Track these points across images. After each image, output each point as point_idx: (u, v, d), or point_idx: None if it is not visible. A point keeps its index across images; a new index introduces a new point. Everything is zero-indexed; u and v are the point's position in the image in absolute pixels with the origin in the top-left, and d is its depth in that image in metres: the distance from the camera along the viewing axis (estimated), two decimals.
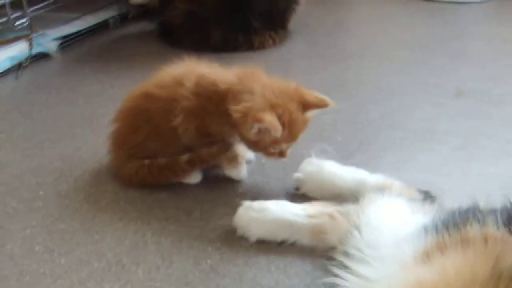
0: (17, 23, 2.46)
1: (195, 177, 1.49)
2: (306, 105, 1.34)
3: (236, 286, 1.13)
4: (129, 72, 2.32)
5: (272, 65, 2.29)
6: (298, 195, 1.41)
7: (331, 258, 1.11)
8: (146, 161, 1.46)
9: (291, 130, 1.32)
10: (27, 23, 2.48)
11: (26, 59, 2.41)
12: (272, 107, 1.29)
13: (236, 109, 1.30)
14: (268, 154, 1.39)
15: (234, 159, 1.48)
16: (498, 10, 3.28)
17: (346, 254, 1.06)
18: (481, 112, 1.88)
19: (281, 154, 1.38)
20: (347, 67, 2.33)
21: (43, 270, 1.21)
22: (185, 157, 1.45)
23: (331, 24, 2.98)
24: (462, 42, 2.66)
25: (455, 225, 0.92)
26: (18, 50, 2.41)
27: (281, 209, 1.26)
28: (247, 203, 1.28)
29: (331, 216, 1.21)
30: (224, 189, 1.46)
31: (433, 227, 0.94)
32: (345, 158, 1.51)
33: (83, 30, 2.75)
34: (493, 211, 0.94)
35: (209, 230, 1.30)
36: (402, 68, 2.32)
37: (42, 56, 2.52)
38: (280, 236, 1.24)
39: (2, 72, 2.34)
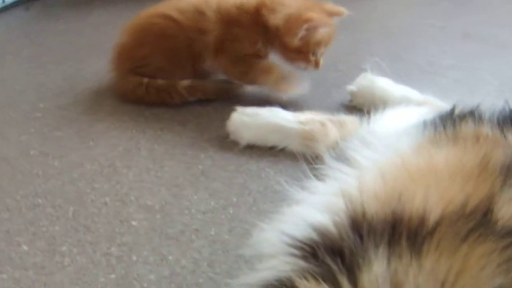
0: None
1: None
2: (331, 14, 1.38)
3: (225, 190, 1.13)
4: (137, 2, 2.30)
5: None
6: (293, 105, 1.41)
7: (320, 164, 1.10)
8: (145, 80, 1.45)
9: (328, 32, 1.37)
10: None
11: None
12: (309, 9, 1.34)
13: (276, 18, 1.33)
14: (306, 61, 1.40)
15: (283, 79, 1.44)
16: None
17: (337, 158, 1.04)
18: (486, 53, 1.85)
19: (317, 63, 1.40)
20: (353, 7, 2.29)
21: (36, 171, 1.22)
22: (185, 82, 1.44)
23: None
24: None
25: (452, 122, 0.91)
26: None
27: (273, 115, 1.26)
28: (240, 109, 1.28)
29: (321, 124, 1.20)
30: (221, 104, 1.45)
31: (432, 123, 0.92)
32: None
33: None
34: (491, 113, 0.93)
35: (203, 140, 1.30)
36: (410, 11, 2.30)
37: None
38: (270, 140, 1.24)
39: (14, 3, 2.33)
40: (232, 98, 1.46)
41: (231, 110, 1.30)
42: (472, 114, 0.93)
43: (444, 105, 1.24)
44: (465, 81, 1.62)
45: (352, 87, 1.42)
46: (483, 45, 1.91)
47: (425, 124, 0.94)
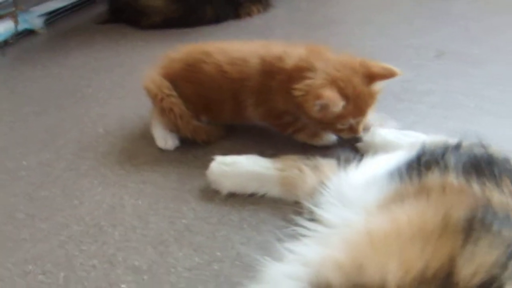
0: (2, 0, 2.47)
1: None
2: (371, 77, 1.33)
3: (209, 244, 1.16)
4: (112, 44, 2.34)
5: (257, 32, 2.34)
6: (269, 154, 1.41)
7: (299, 211, 1.13)
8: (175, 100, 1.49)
9: (357, 103, 1.32)
10: (12, 0, 2.49)
11: (12, 36, 2.43)
12: (333, 82, 1.30)
13: (298, 88, 1.31)
14: (337, 131, 1.39)
15: (315, 134, 1.47)
16: None
17: (314, 205, 1.08)
18: (461, 72, 1.89)
19: (352, 130, 1.38)
20: (329, 32, 2.34)
21: (23, 235, 1.24)
22: (196, 123, 1.50)
23: None
24: (444, 4, 2.65)
25: (418, 172, 0.94)
26: (3, 27, 2.43)
27: (251, 162, 1.30)
28: (219, 158, 1.32)
29: (299, 169, 1.23)
30: (201, 151, 1.48)
31: (398, 174, 0.96)
32: None
33: (68, 5, 2.77)
34: (459, 157, 0.96)
35: (184, 191, 1.33)
36: (383, 31, 2.33)
37: (28, 33, 2.56)
38: (250, 188, 1.28)
39: None
40: (211, 144, 1.50)
41: (211, 158, 1.33)
42: (438, 163, 0.96)
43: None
44: (440, 105, 1.66)
45: (359, 144, 1.43)
46: (458, 63, 1.95)
47: (392, 174, 0.98)
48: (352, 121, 1.35)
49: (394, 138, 1.38)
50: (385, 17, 2.53)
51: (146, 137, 1.56)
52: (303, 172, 1.24)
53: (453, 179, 0.91)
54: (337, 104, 1.27)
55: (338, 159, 1.23)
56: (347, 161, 1.18)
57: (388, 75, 1.34)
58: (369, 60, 1.36)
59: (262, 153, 1.36)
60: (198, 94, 1.48)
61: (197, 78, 1.47)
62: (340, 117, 1.33)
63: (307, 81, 1.31)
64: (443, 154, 0.99)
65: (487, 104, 1.66)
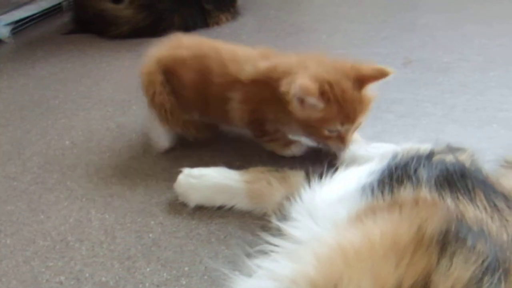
0: None
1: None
2: (362, 80, 1.27)
3: (177, 259, 1.15)
4: (79, 54, 2.32)
5: (227, 40, 2.30)
6: (236, 166, 1.41)
7: (267, 226, 1.13)
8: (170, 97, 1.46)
9: (345, 108, 1.26)
10: None
11: None
12: (317, 80, 1.24)
13: (283, 83, 1.27)
14: (324, 138, 1.32)
15: (286, 144, 1.46)
16: None
17: (283, 219, 1.08)
18: (428, 80, 1.91)
19: (341, 139, 1.31)
20: (297, 41, 2.35)
21: None
22: (186, 116, 1.48)
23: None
24: (413, 14, 2.68)
25: (389, 187, 0.94)
26: None
27: (219, 175, 1.29)
28: (186, 170, 1.31)
29: (267, 181, 1.23)
30: (169, 163, 1.48)
31: (370, 188, 0.96)
32: None
33: (35, 14, 2.73)
34: (430, 170, 0.96)
35: (152, 205, 1.32)
36: (351, 40, 2.34)
37: None
38: (218, 201, 1.28)
39: None
40: (180, 156, 1.49)
41: (178, 171, 1.32)
42: (410, 177, 0.96)
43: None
44: (409, 114, 1.67)
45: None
46: (426, 71, 1.97)
47: (363, 189, 0.98)
48: (340, 127, 1.29)
49: (364, 152, 1.37)
50: (353, 26, 2.54)
51: (113, 149, 1.55)
52: (271, 184, 1.24)
53: (426, 193, 0.91)
54: (310, 93, 1.22)
55: (307, 171, 1.23)
56: (316, 174, 1.18)
57: (379, 76, 1.28)
58: (361, 62, 1.31)
59: (230, 165, 1.36)
60: (196, 87, 1.43)
61: (200, 71, 1.43)
62: (325, 120, 1.27)
63: (290, 77, 1.26)
64: (415, 168, 0.99)
65: (455, 112, 1.67)
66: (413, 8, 2.77)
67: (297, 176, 1.25)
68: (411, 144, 1.31)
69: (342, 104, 1.25)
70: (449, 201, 0.88)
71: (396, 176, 0.98)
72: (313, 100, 1.23)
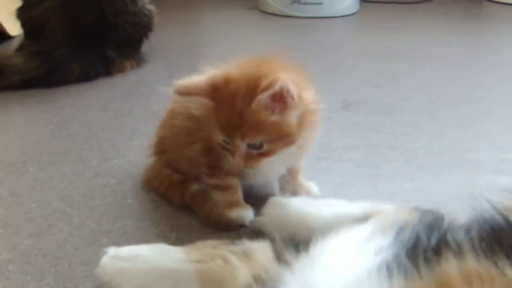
0: None
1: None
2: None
3: None
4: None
5: (133, 88, 2.04)
6: (173, 238, 1.13)
7: None
8: (164, 170, 1.28)
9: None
10: None
11: None
12: None
13: None
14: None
15: (235, 201, 1.17)
16: (360, 24, 3.21)
17: None
18: (376, 123, 1.70)
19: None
20: None
21: None
22: (195, 188, 1.22)
23: (190, 44, 2.73)
24: (335, 56, 2.48)
25: (426, 261, 0.66)
26: None
27: (158, 255, 0.97)
28: (112, 251, 0.98)
29: (223, 259, 0.92)
30: (83, 240, 1.14)
31: (398, 265, 0.67)
32: None
33: None
34: (468, 231, 0.70)
35: None
36: None
37: None
38: None
39: None
40: (94, 230, 1.15)
41: (100, 251, 0.99)
42: (447, 244, 0.69)
43: (396, 208, 1.01)
44: (367, 162, 1.44)
45: (261, 219, 1.14)
46: (370, 114, 1.78)
47: (388, 268, 0.69)
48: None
49: (314, 209, 1.10)
50: None
51: (8, 224, 1.19)
52: (230, 263, 0.92)
53: (475, 263, 0.66)
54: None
55: (273, 242, 0.94)
56: (286, 246, 0.89)
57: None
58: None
59: (165, 238, 1.08)
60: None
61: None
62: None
63: None
64: (445, 231, 0.72)
65: (417, 157, 1.48)
66: (335, 50, 2.57)
67: (262, 249, 0.95)
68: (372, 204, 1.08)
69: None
70: (509, 271, 0.64)
71: (426, 247, 0.71)
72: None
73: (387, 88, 1.99)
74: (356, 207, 1.08)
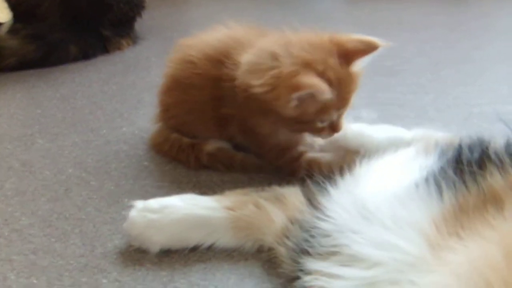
0: None
1: None
2: (349, 56, 1.03)
3: None
4: None
5: (132, 64, 2.02)
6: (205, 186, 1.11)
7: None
8: (173, 135, 1.25)
9: (340, 91, 1.01)
10: None
11: None
12: (308, 65, 0.99)
13: (260, 84, 0.99)
14: (316, 131, 1.08)
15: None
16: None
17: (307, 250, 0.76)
18: (381, 84, 1.67)
19: (334, 128, 1.07)
20: None
21: None
22: (210, 147, 1.21)
23: (182, 22, 2.70)
24: (330, 27, 2.45)
25: (471, 175, 0.65)
26: None
27: (189, 204, 0.94)
28: (140, 203, 0.95)
29: (256, 205, 0.91)
30: (105, 200, 1.11)
31: (445, 179, 0.66)
32: None
33: None
34: (505, 148, 0.69)
35: (97, 257, 0.93)
36: None
37: None
38: (192, 239, 0.92)
39: None
40: (118, 188, 1.13)
41: (125, 206, 0.97)
42: (489, 158, 0.68)
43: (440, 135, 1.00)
44: (379, 119, 1.37)
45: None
46: (373, 76, 1.70)
47: (436, 180, 0.68)
48: (334, 114, 1.05)
49: (369, 132, 1.10)
50: None
51: (23, 191, 1.16)
52: (263, 208, 0.91)
53: None
54: (325, 90, 0.97)
55: (303, 185, 0.92)
56: (317, 187, 0.88)
57: (368, 49, 1.05)
58: (338, 34, 1.07)
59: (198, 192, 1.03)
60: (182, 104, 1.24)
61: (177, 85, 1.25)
62: (323, 111, 1.02)
63: (272, 72, 0.99)
64: (486, 147, 0.71)
65: (427, 112, 1.49)
66: (329, 21, 2.56)
67: (294, 194, 0.94)
68: (424, 130, 1.08)
69: (338, 86, 1.00)
70: None
71: (470, 162, 0.70)
72: (327, 95, 0.97)
73: (387, 53, 1.93)
74: (408, 133, 1.08)
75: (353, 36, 1.06)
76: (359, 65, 1.05)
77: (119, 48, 2.25)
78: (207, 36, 1.25)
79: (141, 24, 2.40)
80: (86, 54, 2.14)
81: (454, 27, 2.37)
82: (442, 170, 0.69)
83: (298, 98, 0.97)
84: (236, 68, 1.10)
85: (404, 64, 1.86)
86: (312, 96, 0.97)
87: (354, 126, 1.12)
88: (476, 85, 1.66)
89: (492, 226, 0.57)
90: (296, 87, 0.95)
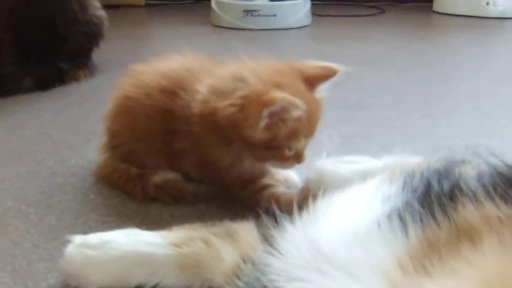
0: None
1: None
2: (311, 81, 1.02)
3: None
4: None
5: (89, 95, 1.97)
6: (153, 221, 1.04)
7: None
8: (121, 165, 1.18)
9: (309, 116, 0.99)
10: None
11: None
12: (278, 86, 0.96)
13: (227, 105, 0.95)
14: (283, 160, 1.03)
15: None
16: (315, 34, 3.20)
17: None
18: (347, 117, 1.65)
19: (298, 157, 1.03)
20: None
21: None
22: (158, 178, 1.14)
23: (143, 56, 2.58)
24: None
25: (441, 207, 0.59)
26: None
27: (131, 240, 0.86)
28: (78, 238, 0.87)
29: (205, 242, 0.83)
30: (42, 235, 1.02)
31: (411, 213, 0.59)
32: None
33: None
34: (481, 179, 0.63)
35: None
36: None
37: None
38: (134, 278, 0.83)
39: None
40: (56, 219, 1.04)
41: (63, 241, 0.88)
42: (461, 190, 0.62)
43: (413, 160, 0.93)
44: (340, 152, 1.34)
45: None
46: (340, 109, 1.71)
47: (400, 216, 0.61)
48: (303, 141, 1.02)
49: (331, 167, 1.03)
50: None
51: None
52: (212, 245, 0.83)
53: (494, 208, 0.59)
54: (299, 105, 0.94)
55: (258, 220, 0.85)
56: (274, 220, 0.81)
57: (328, 74, 1.04)
58: (297, 62, 1.06)
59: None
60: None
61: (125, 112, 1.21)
62: (293, 134, 0.99)
63: (240, 92, 0.95)
64: (457, 177, 0.65)
65: (392, 146, 1.38)
66: (291, 57, 2.52)
67: (247, 229, 0.86)
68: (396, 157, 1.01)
69: (306, 112, 0.97)
70: None
71: (439, 194, 0.63)
72: (301, 110, 0.95)
73: (353, 88, 1.93)
74: (378, 162, 1.02)
75: (312, 63, 1.05)
76: (320, 92, 1.04)
77: (76, 79, 2.18)
78: (161, 65, 1.20)
79: (100, 56, 2.34)
80: (41, 85, 2.07)
81: (419, 65, 2.38)
82: (407, 203, 0.63)
83: (269, 116, 0.93)
84: (192, 97, 1.05)
85: (370, 99, 1.84)
86: (284, 113, 0.94)
87: (317, 163, 1.06)
88: (444, 119, 1.65)
89: (470, 261, 0.51)
90: (268, 103, 0.92)
